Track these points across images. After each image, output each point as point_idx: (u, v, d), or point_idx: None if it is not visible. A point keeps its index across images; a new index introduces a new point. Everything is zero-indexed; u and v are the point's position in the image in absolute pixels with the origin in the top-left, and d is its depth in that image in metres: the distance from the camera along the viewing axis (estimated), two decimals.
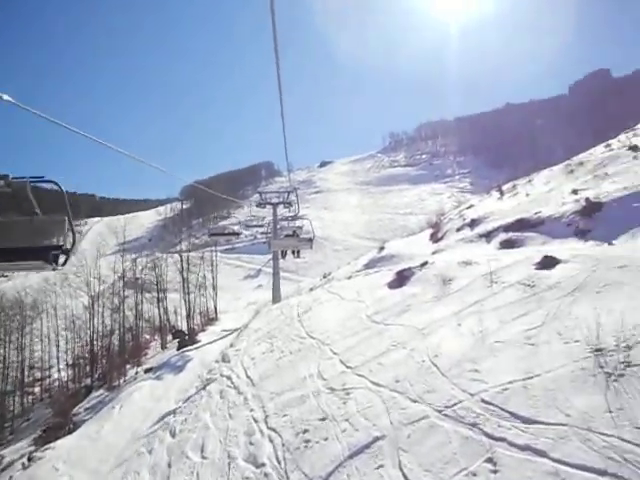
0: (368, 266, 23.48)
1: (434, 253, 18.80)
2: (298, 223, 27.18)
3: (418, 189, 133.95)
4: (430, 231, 24.94)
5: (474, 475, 4.91)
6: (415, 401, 6.83)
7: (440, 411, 6.29)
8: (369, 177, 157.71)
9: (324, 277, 31.15)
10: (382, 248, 26.55)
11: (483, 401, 6.10)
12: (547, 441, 4.91)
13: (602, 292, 8.17)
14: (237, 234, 26.82)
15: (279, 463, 7.08)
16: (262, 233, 28.48)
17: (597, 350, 6.21)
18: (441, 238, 21.27)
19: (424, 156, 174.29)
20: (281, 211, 28.99)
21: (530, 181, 22.78)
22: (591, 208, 13.27)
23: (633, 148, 17.82)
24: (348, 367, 9.27)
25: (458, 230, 20.67)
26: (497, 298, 9.99)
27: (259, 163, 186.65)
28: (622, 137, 28.26)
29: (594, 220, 12.85)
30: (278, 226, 26.23)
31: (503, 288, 10.46)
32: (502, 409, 5.77)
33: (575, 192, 16.48)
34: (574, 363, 6.16)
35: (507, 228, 16.13)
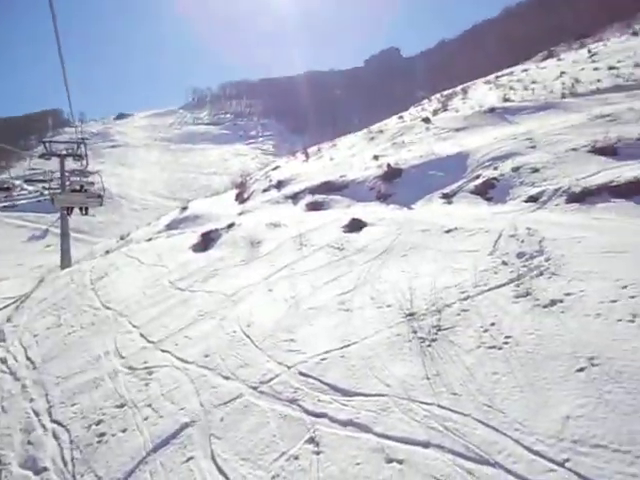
0: (170, 227, 22.03)
1: (240, 214, 18.24)
2: (91, 179, 24.25)
3: (222, 149, 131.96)
4: (235, 192, 24.27)
5: (296, 459, 4.46)
6: (227, 378, 6.18)
7: (255, 388, 5.74)
8: (170, 133, 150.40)
9: (121, 239, 28.60)
10: (185, 208, 25.18)
11: (301, 374, 5.71)
12: (369, 414, 4.68)
13: (408, 255, 8.42)
14: (8, 189, 22.70)
15: (66, 465, 5.80)
16: (47, 189, 24.69)
17: (410, 315, 6.24)
18: (247, 199, 20.78)
19: (228, 115, 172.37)
20: (72, 165, 25.54)
21: (335, 145, 23.51)
22: (392, 174, 13.94)
23: (425, 120, 19.34)
24: (150, 342, 8.23)
25: (264, 191, 20.36)
26: (308, 261, 9.80)
27: (45, 110, 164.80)
28: (412, 110, 30.83)
29: (394, 185, 13.49)
30: (68, 182, 23.10)
31: (313, 251, 10.32)
32: (321, 381, 5.43)
33: (376, 158, 17.28)
34: (389, 329, 6.11)
35: (313, 190, 16.25)
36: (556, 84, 21.25)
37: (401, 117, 26.78)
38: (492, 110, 17.30)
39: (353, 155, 19.56)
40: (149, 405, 6.24)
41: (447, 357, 5.17)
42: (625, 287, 5.42)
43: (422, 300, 6.50)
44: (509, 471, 3.61)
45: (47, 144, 24.13)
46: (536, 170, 10.85)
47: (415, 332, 5.83)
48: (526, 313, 5.50)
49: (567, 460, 3.55)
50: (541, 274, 6.31)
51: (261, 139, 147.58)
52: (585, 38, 48.09)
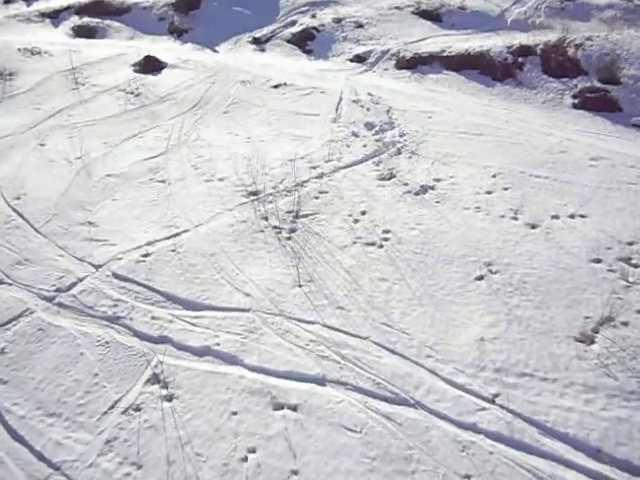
0: None
1: None
2: None
3: None
4: None
5: (137, 410, 3.15)
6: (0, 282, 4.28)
7: (51, 299, 4.03)
8: None
9: None
10: None
11: (117, 276, 4.16)
12: (232, 339, 3.54)
13: (231, 112, 6.88)
14: None
15: None
16: None
17: (252, 194, 5.03)
18: None
19: None
20: None
21: None
22: (188, 3, 11.35)
23: None
24: None
25: (7, 2, 15.37)
26: (91, 108, 7.51)
27: None
28: None
29: (191, 18, 11.05)
30: None
31: (96, 93, 7.96)
32: (151, 288, 4.00)
33: None
34: (229, 212, 4.81)
35: (80, 10, 12.57)
36: None
37: None
38: None
39: None
40: None
41: (317, 255, 4.20)
42: (494, 176, 5.02)
43: (264, 175, 5.27)
44: (436, 413, 2.95)
45: None
46: (360, 26, 9.79)
47: (266, 219, 4.67)
48: (398, 201, 4.76)
49: (496, 395, 3.02)
50: (399, 152, 5.59)
51: None
52: None
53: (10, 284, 4.16)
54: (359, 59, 8.94)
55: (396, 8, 10.33)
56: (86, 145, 6.31)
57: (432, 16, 9.86)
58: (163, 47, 10.15)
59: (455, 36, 8.93)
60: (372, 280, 3.89)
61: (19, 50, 10.12)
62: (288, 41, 9.97)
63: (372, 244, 4.26)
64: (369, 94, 7.01)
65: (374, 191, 4.93)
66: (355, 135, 6.00)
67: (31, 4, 14.94)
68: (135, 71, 8.58)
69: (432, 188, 4.92)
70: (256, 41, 10.14)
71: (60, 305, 3.91)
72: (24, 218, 5.04)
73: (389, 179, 5.10)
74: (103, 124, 6.91)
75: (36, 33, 12.28)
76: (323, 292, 3.82)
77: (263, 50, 9.91)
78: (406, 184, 4.99)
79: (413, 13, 10.15)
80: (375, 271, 3.97)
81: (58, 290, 4.05)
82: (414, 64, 8.38)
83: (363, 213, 4.64)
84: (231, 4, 11.32)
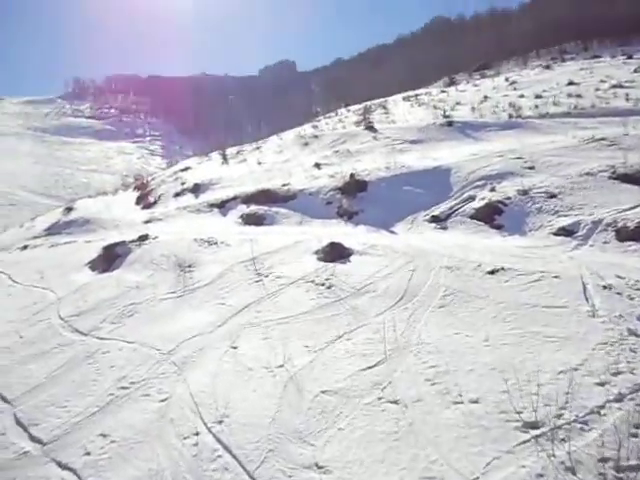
0: (52, 232, 17.60)
1: (148, 222, 14.66)
2: None
3: (103, 145, 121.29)
4: (135, 194, 20.34)
5: None
6: None
7: None
8: (46, 124, 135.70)
9: None
10: (70, 209, 20.69)
11: None
12: None
13: (449, 306, 5.83)
14: None
15: None
16: None
17: (530, 426, 3.65)
18: (154, 204, 17.06)
19: (113, 110, 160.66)
20: None
21: (258, 149, 20.36)
22: (354, 186, 11.35)
23: (370, 129, 17.04)
24: (37, 441, 4.86)
25: (177, 195, 16.79)
26: (279, 302, 6.90)
27: None
28: (326, 121, 28.38)
29: (359, 200, 10.92)
30: None
31: (281, 286, 7.41)
32: None
33: (318, 166, 14.64)
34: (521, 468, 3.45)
35: (247, 199, 13.14)
36: (486, 105, 20.17)
37: (315, 126, 24.25)
38: (450, 124, 15.46)
39: (287, 161, 16.69)
40: None
41: None
42: None
43: (533, 395, 3.92)
44: None
45: None
46: (553, 196, 8.85)
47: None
48: None
49: None
50: None
51: (148, 138, 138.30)
52: (485, 70, 49.99)
53: None
54: (566, 232, 7.82)
55: (587, 174, 9.38)
56: (286, 349, 5.49)
57: (633, 180, 8.74)
58: (336, 231, 9.83)
59: None
60: None
61: (195, 241, 10.31)
62: (471, 217, 9.23)
63: None
64: (618, 276, 5.68)
65: None
66: (634, 334, 4.58)
67: (198, 196, 16.15)
68: (319, 259, 8.08)
69: None
70: (435, 219, 9.52)
71: None
72: (233, 455, 4.04)
73: None
74: (298, 322, 6.16)
75: (206, 223, 12.82)
76: None
77: (444, 228, 9.20)
78: None
79: (610, 178, 9.08)
80: None
81: None
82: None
83: None
84: (399, 184, 11.09)
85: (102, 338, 6.83)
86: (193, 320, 6.87)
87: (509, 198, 9.20)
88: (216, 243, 9.95)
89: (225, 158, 20.17)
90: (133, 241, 11.22)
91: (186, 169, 20.90)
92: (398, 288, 6.46)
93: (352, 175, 11.79)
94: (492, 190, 9.71)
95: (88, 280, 9.53)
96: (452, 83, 43.08)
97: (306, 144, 18.10)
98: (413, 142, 14.82)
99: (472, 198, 9.74)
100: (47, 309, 8.41)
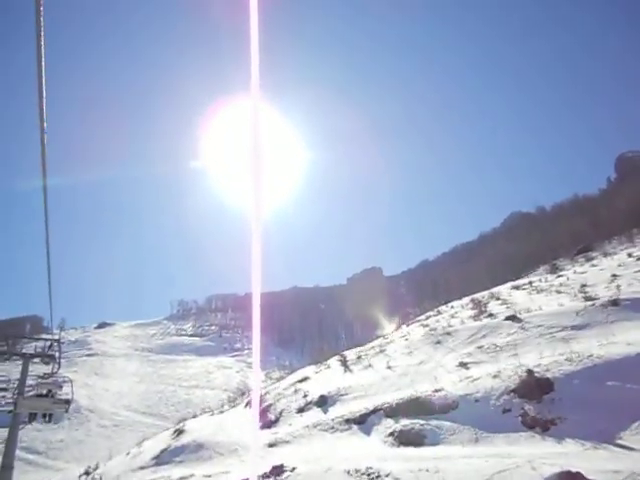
0: (161, 461, 15.89)
1: (272, 446, 12.68)
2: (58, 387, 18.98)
3: (204, 360, 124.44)
4: (249, 410, 18.68)
5: None
6: None
7: None
8: (152, 344, 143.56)
9: (86, 474, 21.51)
10: (181, 431, 19.22)
11: None
12: None
13: None
14: None
15: None
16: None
17: None
18: (275, 422, 15.19)
19: (213, 327, 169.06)
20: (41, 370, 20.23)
21: (383, 351, 18.56)
22: (537, 386, 9.09)
23: (512, 318, 15.08)
24: None
25: (300, 411, 14.94)
26: None
27: (23, 316, 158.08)
28: (435, 318, 26.53)
29: (550, 405, 8.59)
30: (30, 388, 17.70)
31: None
32: None
33: (465, 365, 12.57)
34: None
35: (393, 412, 11.05)
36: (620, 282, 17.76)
37: (426, 325, 22.51)
38: (615, 303, 13.28)
39: (422, 362, 14.70)
40: None
41: None
42: None
43: None
44: None
45: (9, 342, 18.96)
46: None
47: None
48: None
49: None
50: None
51: (246, 351, 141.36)
52: (587, 252, 48.25)
53: None
54: None
55: None
56: None
57: None
58: (542, 451, 7.38)
59: None
60: None
61: (348, 474, 8.17)
62: None
63: None
64: None
65: None
66: None
67: (327, 410, 14.13)
68: None
69: None
70: None
71: None
72: None
73: None
74: None
75: (349, 445, 10.66)
76: None
77: None
78: None
79: None
80: None
81: None
82: None
83: None
84: (598, 379, 8.75)
85: None
86: None
87: None
88: (379, 477, 7.75)
89: (346, 364, 18.49)
90: (266, 476, 9.19)
91: (304, 379, 19.27)
92: None
93: (530, 372, 9.58)
94: None
95: None
96: (555, 269, 41.10)
97: (438, 342, 16.20)
98: (576, 328, 12.58)
99: None
100: None
